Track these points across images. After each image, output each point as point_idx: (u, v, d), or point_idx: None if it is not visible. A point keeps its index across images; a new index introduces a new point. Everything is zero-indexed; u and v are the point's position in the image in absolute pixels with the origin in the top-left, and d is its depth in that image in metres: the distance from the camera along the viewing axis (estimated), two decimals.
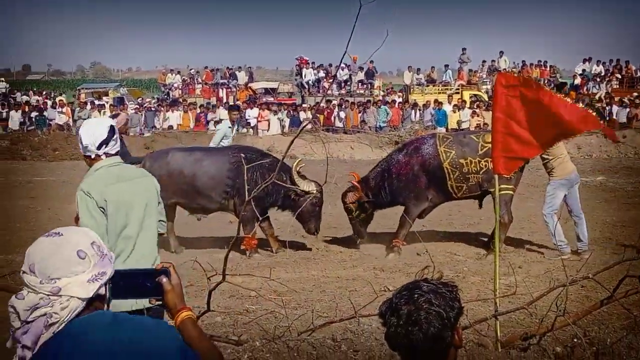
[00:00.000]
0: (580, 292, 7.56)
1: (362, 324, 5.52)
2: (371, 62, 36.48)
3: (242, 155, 10.24)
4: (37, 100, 34.68)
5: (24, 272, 2.24)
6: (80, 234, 2.34)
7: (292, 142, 5.41)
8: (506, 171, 5.80)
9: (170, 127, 30.16)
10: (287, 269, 9.57)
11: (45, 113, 30.96)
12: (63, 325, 2.19)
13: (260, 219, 9.26)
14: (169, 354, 2.26)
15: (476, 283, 8.49)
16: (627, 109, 28.30)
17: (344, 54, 4.22)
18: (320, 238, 11.36)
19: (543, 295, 5.39)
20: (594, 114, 5.99)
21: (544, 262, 9.58)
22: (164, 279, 2.49)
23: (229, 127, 13.55)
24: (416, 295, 2.34)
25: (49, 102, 32.79)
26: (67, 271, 2.21)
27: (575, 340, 5.20)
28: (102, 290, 2.31)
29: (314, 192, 10.29)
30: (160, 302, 2.52)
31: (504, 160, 5.58)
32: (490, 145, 6.61)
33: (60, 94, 40.20)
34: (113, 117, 11.22)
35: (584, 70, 36.24)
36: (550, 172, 9.87)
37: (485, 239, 10.66)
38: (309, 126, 24.81)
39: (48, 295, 2.19)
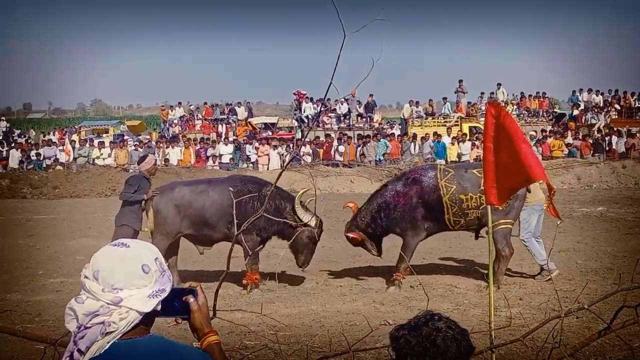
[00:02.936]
0: (580, 323, 7.52)
1: (357, 358, 5.46)
2: (370, 95, 36.78)
3: (238, 187, 10.20)
4: (39, 139, 34.64)
5: (86, 277, 2.27)
6: (145, 248, 2.38)
7: (281, 173, 5.40)
8: (498, 202, 5.76)
9: (168, 161, 30.15)
10: (287, 304, 9.51)
11: (41, 151, 31.03)
12: (118, 337, 2.22)
13: (258, 249, 9.17)
14: None
15: (476, 315, 8.44)
16: (625, 139, 28.55)
17: (329, 85, 4.23)
18: (320, 271, 11.32)
19: (539, 327, 5.33)
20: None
21: (545, 294, 9.52)
22: (191, 299, 2.46)
23: None
24: (437, 317, 2.44)
25: (51, 139, 32.75)
26: (130, 283, 2.25)
27: None
28: (159, 307, 2.32)
29: (313, 225, 10.22)
30: (186, 322, 2.50)
31: (496, 191, 5.56)
32: None
33: (76, 131, 40.30)
34: (142, 159, 11.27)
35: (571, 97, 36.77)
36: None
37: (486, 271, 10.58)
38: (309, 159, 24.82)
39: (108, 304, 2.22)
